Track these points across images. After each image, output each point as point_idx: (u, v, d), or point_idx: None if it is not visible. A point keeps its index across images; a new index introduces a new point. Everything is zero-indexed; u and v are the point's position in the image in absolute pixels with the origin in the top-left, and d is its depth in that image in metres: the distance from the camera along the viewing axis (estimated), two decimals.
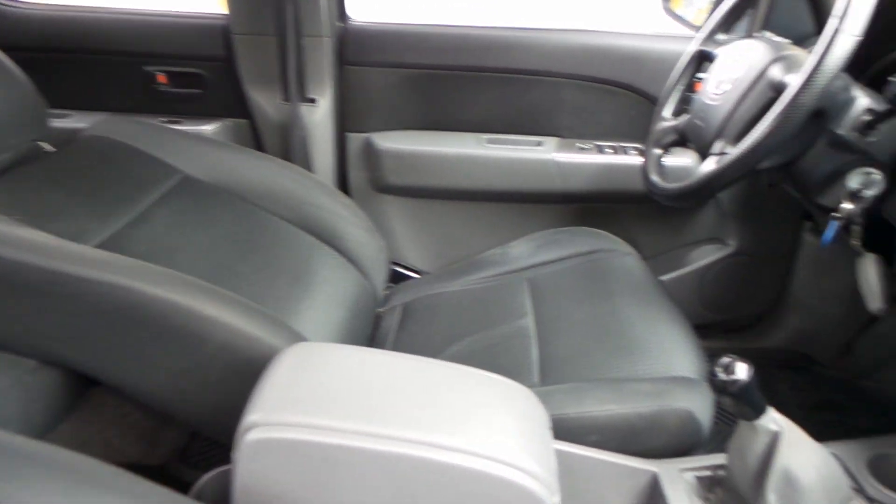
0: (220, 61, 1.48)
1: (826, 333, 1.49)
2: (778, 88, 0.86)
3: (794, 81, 0.79)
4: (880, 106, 0.84)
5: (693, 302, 1.51)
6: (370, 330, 1.22)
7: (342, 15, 1.47)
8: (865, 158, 0.88)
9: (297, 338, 0.89)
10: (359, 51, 1.46)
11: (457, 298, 1.25)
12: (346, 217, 1.28)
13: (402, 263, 1.55)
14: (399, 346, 1.15)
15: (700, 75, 1.11)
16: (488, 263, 1.34)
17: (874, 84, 0.90)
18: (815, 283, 1.46)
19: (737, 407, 0.73)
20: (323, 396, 0.66)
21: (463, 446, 0.62)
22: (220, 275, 1.00)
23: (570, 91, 1.42)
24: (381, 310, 1.28)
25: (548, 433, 0.72)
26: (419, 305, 1.26)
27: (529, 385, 0.97)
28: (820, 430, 1.36)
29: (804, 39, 1.28)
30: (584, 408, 0.88)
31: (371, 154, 1.49)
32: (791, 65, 0.87)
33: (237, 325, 0.82)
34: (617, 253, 1.26)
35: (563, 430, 0.86)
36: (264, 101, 1.48)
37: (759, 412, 0.73)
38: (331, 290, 1.13)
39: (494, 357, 1.07)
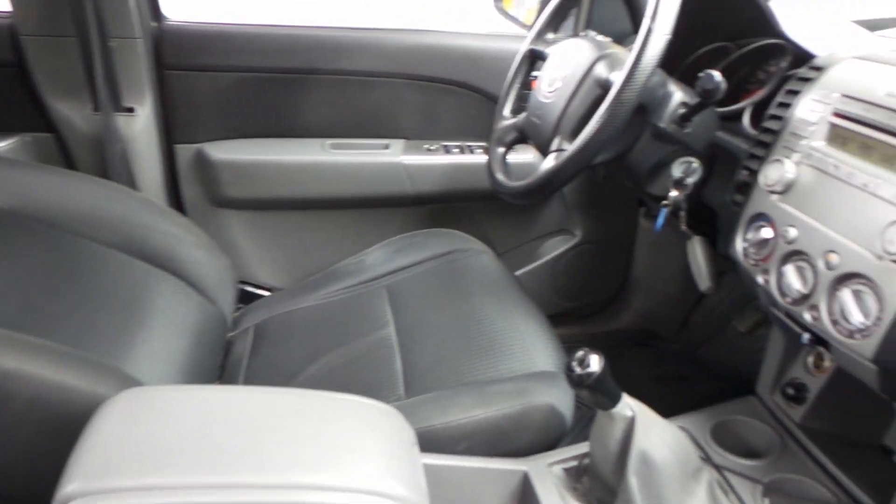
0: (9, 67, 1.29)
1: (666, 310, 1.61)
2: (604, 86, 0.90)
3: (616, 79, 0.82)
4: (692, 99, 0.90)
5: (547, 292, 1.57)
6: (220, 359, 1.12)
7: (156, 14, 1.33)
8: (685, 148, 0.94)
9: (128, 382, 0.78)
10: (180, 54, 1.33)
11: (313, 314, 1.18)
12: (181, 237, 1.17)
13: (251, 282, 1.44)
14: (253, 372, 1.06)
15: (535, 73, 1.14)
16: (344, 274, 1.29)
17: (686, 79, 0.97)
18: (653, 264, 1.57)
19: (593, 398, 0.74)
20: (158, 450, 0.58)
21: (321, 482, 0.57)
22: (27, 318, 0.86)
23: (411, 92, 1.41)
24: (231, 335, 1.18)
25: (414, 449, 0.69)
26: (273, 326, 1.18)
27: (395, 399, 0.95)
28: (669, 401, 1.47)
29: (624, 38, 1.37)
30: (449, 417, 0.86)
31: (204, 166, 1.37)
32: (613, 63, 0.91)
33: (46, 375, 0.70)
34: (472, 252, 1.27)
35: (432, 442, 0.84)
36: (70, 112, 1.31)
37: (614, 400, 0.75)
38: (169, 321, 1.02)
39: (357, 373, 1.02)
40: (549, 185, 0.90)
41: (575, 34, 1.11)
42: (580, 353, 0.73)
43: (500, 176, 1.04)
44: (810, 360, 0.88)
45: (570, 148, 0.86)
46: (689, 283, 1.56)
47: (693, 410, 1.41)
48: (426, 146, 1.44)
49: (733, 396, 1.33)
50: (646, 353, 1.61)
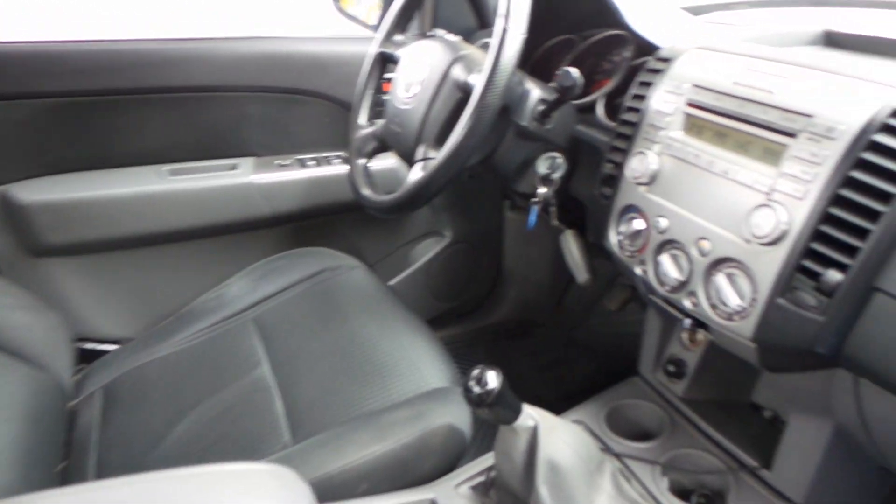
0: None
1: (540, 298, 1.64)
2: (464, 88, 0.87)
3: (477, 82, 0.80)
4: (550, 95, 0.90)
5: (425, 297, 1.54)
6: (63, 434, 0.96)
7: None
8: (548, 144, 0.94)
9: None
10: None
11: (171, 364, 1.06)
12: None
13: (92, 337, 1.26)
14: (106, 446, 0.92)
15: (388, 75, 1.09)
16: (202, 312, 1.17)
17: (535, 73, 0.97)
18: (522, 255, 1.59)
19: (495, 414, 0.72)
20: None
21: None
22: None
23: (255, 105, 1.29)
24: (72, 403, 1.02)
25: None
26: (124, 385, 1.03)
27: (280, 447, 0.86)
28: (554, 387, 1.52)
29: (471, 34, 1.37)
30: (346, 459, 0.80)
31: (13, 211, 1.16)
32: (470, 64, 0.89)
33: None
34: (342, 269, 1.20)
35: (330, 489, 0.78)
36: None
37: (517, 413, 0.73)
38: None
39: (234, 423, 0.93)
40: (419, 198, 0.86)
41: (423, 34, 1.08)
42: (476, 372, 0.70)
43: (366, 191, 0.98)
44: (685, 336, 0.92)
45: (439, 157, 0.82)
46: (559, 270, 1.60)
47: (579, 394, 1.46)
48: (278, 162, 1.33)
49: (614, 375, 1.38)
50: (526, 342, 1.63)
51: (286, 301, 1.14)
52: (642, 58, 0.94)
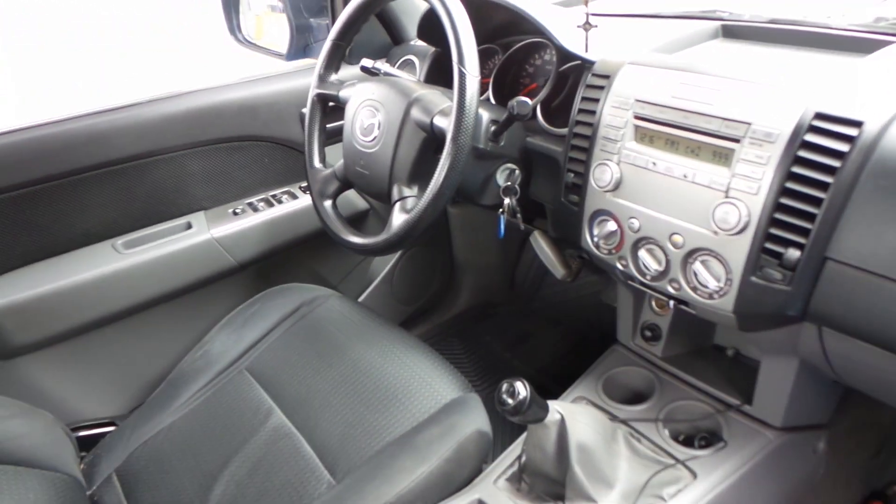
0: None
1: (493, 279, 1.75)
2: (426, 129, 0.93)
3: (448, 126, 0.86)
4: (499, 116, 0.98)
5: (392, 304, 1.60)
6: None
7: None
8: (503, 159, 1.03)
9: None
10: None
11: (181, 431, 1.07)
12: None
13: (86, 423, 1.24)
14: None
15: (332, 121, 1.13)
16: (193, 373, 1.18)
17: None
18: (470, 243, 1.69)
19: (527, 417, 0.81)
20: None
21: None
22: None
23: (194, 160, 1.29)
24: (91, 492, 1.02)
25: None
26: (139, 462, 1.04)
27: (326, 487, 0.92)
28: (526, 360, 1.65)
29: (386, 52, 1.42)
30: (398, 486, 0.87)
31: None
32: (427, 105, 0.94)
33: None
34: (319, 300, 1.23)
35: None
36: None
37: (546, 411, 0.83)
38: None
39: (268, 476, 0.97)
40: (409, 237, 0.92)
41: (353, 63, 1.10)
42: (506, 386, 0.79)
43: (350, 238, 1.03)
44: (654, 304, 1.06)
45: (424, 198, 0.88)
46: (504, 249, 1.72)
47: (552, 361, 1.59)
48: (231, 210, 1.34)
49: (579, 337, 1.52)
50: (491, 323, 1.74)
51: (274, 344, 1.16)
52: (567, 64, 1.04)
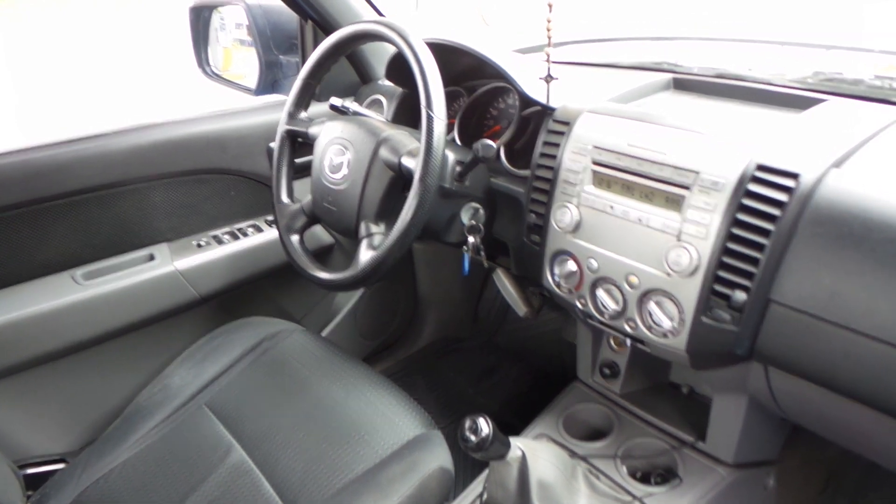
0: None
1: (456, 313, 1.77)
2: (394, 168, 0.96)
3: (414, 166, 0.89)
4: (465, 157, 1.01)
5: (355, 339, 1.60)
6: None
7: None
8: (468, 198, 1.06)
9: None
10: None
11: (136, 468, 1.04)
12: None
13: (34, 460, 1.20)
14: None
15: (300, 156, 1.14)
16: (150, 408, 1.15)
17: None
18: (434, 278, 1.70)
19: (489, 454, 0.82)
20: None
21: None
22: None
23: (159, 192, 1.28)
24: None
25: None
26: (90, 501, 1.01)
27: None
28: (489, 395, 1.66)
29: (354, 90, 1.45)
30: None
31: None
32: (396, 146, 0.97)
33: None
34: (282, 334, 1.23)
35: None
36: None
37: (507, 447, 0.84)
38: None
39: None
40: (375, 274, 0.94)
41: (320, 100, 1.12)
42: (468, 423, 0.80)
43: (317, 273, 1.03)
44: (612, 342, 1.09)
45: (391, 236, 0.90)
46: (467, 284, 1.74)
47: (515, 396, 1.60)
48: (195, 242, 1.33)
49: (541, 373, 1.53)
50: (454, 358, 1.75)
51: (235, 378, 1.15)
52: (529, 109, 1.08)
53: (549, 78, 0.94)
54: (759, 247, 0.72)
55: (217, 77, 1.61)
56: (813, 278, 0.68)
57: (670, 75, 1.07)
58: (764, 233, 0.71)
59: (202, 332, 1.28)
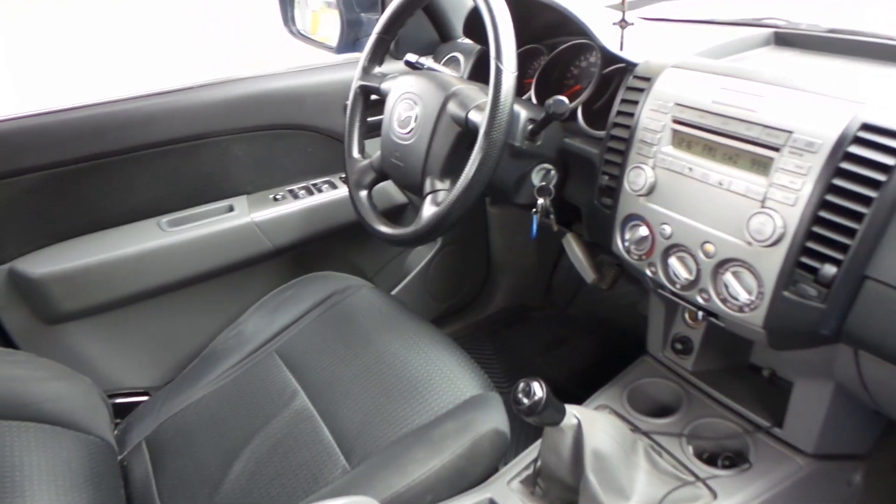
0: None
1: (529, 282, 1.74)
2: (461, 123, 0.93)
3: (480, 120, 0.86)
4: (537, 115, 0.97)
5: (425, 300, 1.61)
6: (121, 489, 1.01)
7: None
8: (540, 159, 1.02)
9: None
10: None
11: (208, 407, 1.10)
12: (26, 376, 1.02)
13: (121, 391, 1.29)
14: (168, 494, 0.97)
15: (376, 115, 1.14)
16: (224, 352, 1.21)
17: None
18: (508, 246, 1.67)
19: (543, 419, 0.80)
20: None
21: None
22: None
23: (240, 145, 1.32)
24: (121, 457, 1.07)
25: None
26: (167, 434, 1.08)
27: (341, 472, 0.93)
28: (558, 366, 1.63)
29: (433, 49, 1.42)
30: (410, 477, 0.87)
31: (24, 286, 1.17)
32: (465, 100, 0.94)
33: None
34: (351, 289, 1.25)
35: None
36: None
37: (562, 414, 0.81)
38: (49, 476, 0.89)
39: (287, 456, 0.98)
40: (438, 230, 0.93)
41: (399, 58, 1.11)
42: (522, 385, 0.78)
43: (381, 228, 1.03)
44: (687, 316, 1.02)
45: (454, 192, 0.88)
46: (543, 252, 1.69)
47: (583, 370, 1.56)
48: (272, 196, 1.37)
49: (612, 348, 1.48)
50: (524, 326, 1.73)
51: (304, 329, 1.19)
52: (611, 66, 1.02)
53: (623, 23, 0.88)
54: (857, 216, 0.64)
55: (300, 35, 1.63)
56: None
57: (771, 30, 0.97)
58: (864, 201, 0.63)
59: (276, 284, 1.33)
